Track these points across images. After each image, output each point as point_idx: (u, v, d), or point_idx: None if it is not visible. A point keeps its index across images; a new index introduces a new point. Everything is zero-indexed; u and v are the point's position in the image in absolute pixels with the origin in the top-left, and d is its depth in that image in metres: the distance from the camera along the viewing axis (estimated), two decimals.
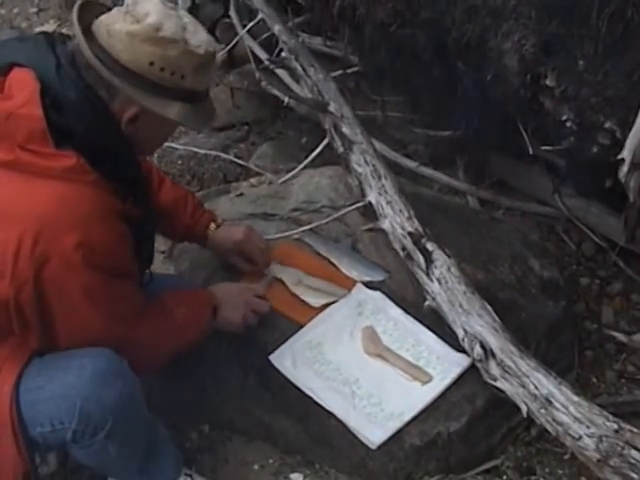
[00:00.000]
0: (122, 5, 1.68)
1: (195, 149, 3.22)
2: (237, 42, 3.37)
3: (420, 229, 2.24)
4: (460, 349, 2.06)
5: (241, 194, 2.65)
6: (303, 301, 2.20)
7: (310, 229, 2.39)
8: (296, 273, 2.26)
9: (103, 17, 1.67)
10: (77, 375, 1.65)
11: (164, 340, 1.85)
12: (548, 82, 2.39)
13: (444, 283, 2.11)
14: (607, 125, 2.29)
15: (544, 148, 2.60)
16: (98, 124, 1.66)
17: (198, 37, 1.69)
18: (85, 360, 1.67)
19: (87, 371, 1.66)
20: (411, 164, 2.98)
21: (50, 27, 4.13)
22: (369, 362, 2.09)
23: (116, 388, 1.67)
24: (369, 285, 2.25)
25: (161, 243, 2.50)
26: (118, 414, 1.67)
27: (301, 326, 2.16)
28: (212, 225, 2.19)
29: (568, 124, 2.40)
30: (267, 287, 2.22)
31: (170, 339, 1.87)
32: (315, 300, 2.20)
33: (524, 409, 1.90)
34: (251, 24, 3.24)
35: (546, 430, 1.91)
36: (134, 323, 1.78)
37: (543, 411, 1.86)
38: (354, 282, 2.26)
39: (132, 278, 1.79)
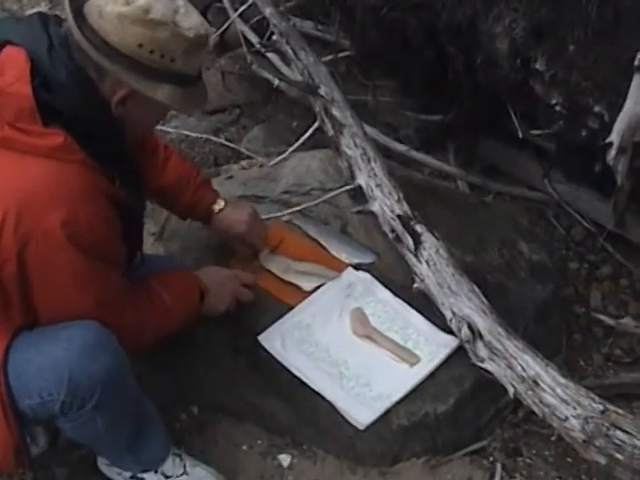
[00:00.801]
0: None
1: (186, 132, 3.21)
2: (229, 26, 3.37)
3: (409, 212, 2.24)
4: (448, 331, 2.06)
5: (231, 177, 2.64)
6: (295, 285, 2.21)
7: (300, 211, 2.39)
8: (284, 261, 2.26)
9: None
10: (65, 347, 1.65)
11: (149, 325, 1.86)
12: (538, 66, 2.39)
13: (433, 265, 2.11)
14: (596, 109, 2.30)
15: (534, 132, 2.60)
16: (87, 104, 1.65)
17: (189, 20, 1.67)
18: (74, 332, 1.67)
19: (76, 343, 1.66)
20: (402, 148, 2.98)
21: (41, 9, 4.10)
22: (358, 343, 2.10)
23: (104, 360, 1.67)
24: (358, 267, 2.25)
25: (151, 225, 2.51)
26: (106, 385, 1.67)
27: (290, 307, 2.16)
28: (215, 206, 2.17)
29: (558, 108, 2.40)
30: (256, 273, 2.21)
31: (155, 324, 1.87)
32: (307, 284, 2.21)
33: (511, 391, 1.90)
34: (242, 8, 3.23)
35: (533, 412, 1.92)
36: (119, 309, 1.78)
37: (530, 393, 1.87)
38: (343, 264, 2.26)
39: (118, 264, 1.79)
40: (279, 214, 2.39)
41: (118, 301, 1.78)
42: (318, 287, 2.20)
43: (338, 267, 2.25)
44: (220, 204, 2.19)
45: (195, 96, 1.77)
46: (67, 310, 1.70)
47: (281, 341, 2.09)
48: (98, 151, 1.66)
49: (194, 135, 3.24)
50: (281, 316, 2.14)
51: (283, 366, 2.05)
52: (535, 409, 1.88)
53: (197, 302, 1.97)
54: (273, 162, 2.68)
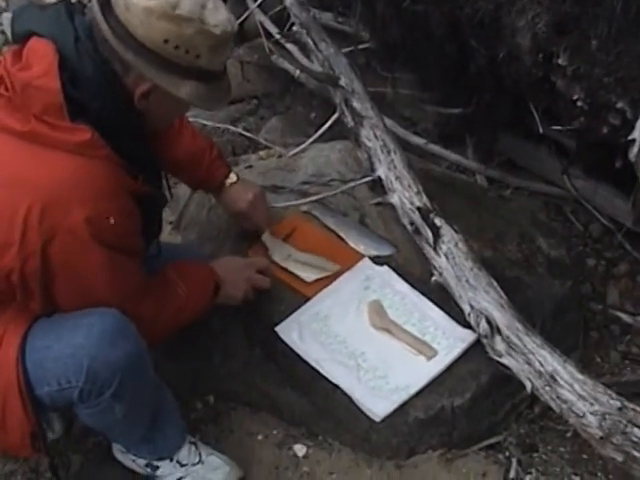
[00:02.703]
0: None
1: (204, 122, 3.19)
2: (248, 16, 3.35)
3: (428, 204, 2.23)
4: (466, 325, 2.06)
5: (250, 166, 2.65)
6: (295, 275, 2.20)
7: (318, 201, 2.39)
8: (287, 249, 2.25)
9: None
10: (85, 334, 1.65)
11: (165, 315, 1.85)
12: (560, 61, 2.36)
13: (451, 258, 2.10)
14: (618, 105, 2.27)
15: (554, 128, 2.58)
16: (113, 99, 1.64)
17: (217, 16, 1.65)
18: (93, 319, 1.67)
19: (95, 330, 1.66)
20: (420, 141, 2.97)
21: None
22: (375, 336, 2.09)
23: (124, 347, 1.67)
24: (376, 259, 2.25)
25: (169, 213, 2.51)
26: (125, 373, 1.67)
27: (307, 299, 2.16)
28: (227, 180, 2.18)
29: (579, 104, 2.37)
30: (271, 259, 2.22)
31: (171, 315, 1.87)
32: (306, 274, 2.20)
33: (528, 386, 1.90)
34: None
35: (550, 408, 1.91)
36: (138, 300, 1.77)
37: (547, 388, 1.86)
38: (361, 256, 2.26)
39: (138, 256, 1.79)
40: (297, 203, 2.39)
41: (137, 292, 1.78)
42: (319, 279, 2.19)
43: (356, 259, 2.25)
44: (232, 178, 2.19)
45: (218, 92, 1.76)
46: (89, 304, 1.70)
47: (298, 332, 2.09)
48: (122, 146, 1.66)
49: (212, 124, 3.23)
50: (298, 307, 2.14)
51: (300, 357, 2.05)
52: (552, 405, 1.87)
53: (212, 294, 1.96)
54: (292, 152, 2.69)
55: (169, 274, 1.89)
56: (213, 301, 1.97)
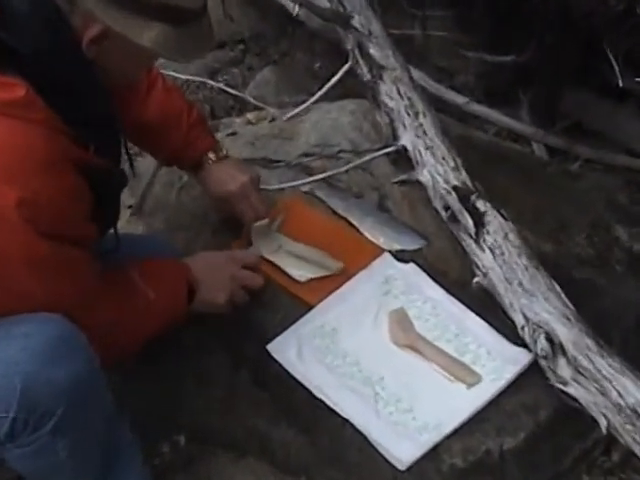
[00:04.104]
0: None
1: (173, 74, 3.20)
2: None
3: (469, 183, 2.24)
4: (518, 342, 2.05)
5: (234, 133, 2.65)
6: (283, 271, 2.22)
7: (324, 180, 2.39)
8: (277, 238, 2.27)
9: None
10: (19, 347, 1.64)
11: (126, 325, 1.85)
12: None
13: (499, 255, 2.11)
14: None
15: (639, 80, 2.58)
16: (55, 45, 1.64)
17: None
18: (31, 328, 1.66)
19: (33, 341, 1.64)
20: (459, 100, 2.97)
21: None
22: (398, 355, 2.09)
23: (70, 365, 1.66)
24: (400, 255, 2.26)
25: (127, 195, 2.51)
26: (72, 399, 1.66)
27: (310, 307, 2.16)
28: (211, 155, 2.20)
29: None
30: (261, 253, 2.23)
31: (133, 325, 1.87)
32: (298, 272, 2.21)
33: (604, 424, 1.89)
34: None
35: (633, 453, 1.90)
36: (88, 305, 1.77)
37: (629, 427, 1.85)
38: (380, 251, 2.26)
39: (86, 247, 1.79)
40: (296, 183, 2.39)
41: (88, 295, 1.78)
42: (313, 279, 2.20)
43: (373, 254, 2.25)
44: (218, 153, 2.21)
45: (194, 39, 1.75)
46: (22, 307, 1.69)
47: (297, 351, 2.09)
48: (67, 107, 1.66)
49: (184, 77, 3.24)
50: (297, 318, 2.14)
51: (299, 383, 2.05)
52: (636, 450, 1.86)
53: (185, 298, 1.97)
54: (289, 115, 2.69)
55: (130, 273, 1.90)
56: (188, 308, 1.98)
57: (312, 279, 2.20)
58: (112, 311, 1.82)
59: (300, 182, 2.40)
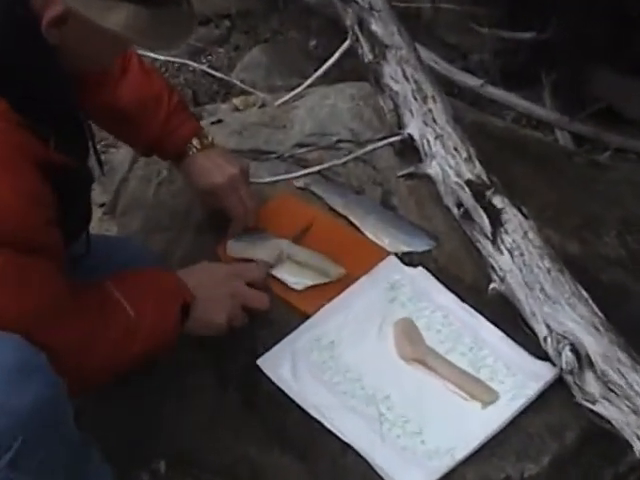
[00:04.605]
0: None
1: (152, 55, 3.21)
2: None
3: (484, 176, 2.24)
4: (541, 355, 2.06)
5: (219, 121, 2.65)
6: (279, 280, 2.23)
7: (321, 173, 2.40)
8: (274, 242, 2.27)
9: None
10: None
11: (100, 349, 1.82)
12: None
13: (518, 256, 2.11)
14: None
15: None
16: (10, 26, 1.65)
17: None
18: None
19: None
20: (473, 82, 2.98)
21: None
22: (405, 371, 2.10)
23: (30, 390, 1.65)
24: (407, 259, 2.26)
25: (99, 192, 2.51)
26: (31, 429, 1.65)
27: (306, 316, 2.17)
28: (195, 142, 2.20)
29: None
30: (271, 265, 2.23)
31: (110, 348, 1.84)
32: (294, 279, 2.22)
33: (638, 447, 1.89)
34: None
35: None
36: (50, 321, 1.75)
37: None
38: (384, 253, 2.27)
39: (53, 258, 1.78)
40: (289, 176, 2.40)
41: (51, 309, 1.76)
42: (313, 286, 2.21)
43: (376, 257, 2.26)
44: (203, 141, 2.22)
45: (172, 22, 1.74)
46: None
47: (291, 366, 2.09)
48: (24, 98, 1.66)
49: (163, 59, 3.24)
50: (292, 329, 2.15)
51: (294, 403, 2.05)
52: None
53: (177, 317, 1.94)
54: (281, 100, 2.69)
55: (106, 286, 1.88)
56: (180, 330, 1.96)
57: (310, 287, 2.21)
58: (81, 329, 1.79)
59: (293, 175, 2.40)
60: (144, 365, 1.92)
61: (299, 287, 2.20)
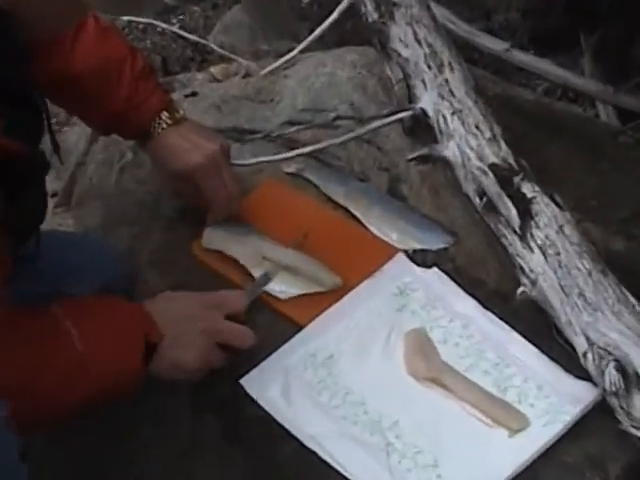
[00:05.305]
0: None
1: (111, 15, 3.22)
2: None
3: (511, 160, 2.25)
4: (580, 373, 2.06)
5: (194, 94, 2.65)
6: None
7: (316, 156, 2.41)
8: (258, 242, 2.28)
9: None
10: None
11: (42, 390, 1.80)
12: None
13: (553, 255, 2.12)
14: None
15: None
16: None
17: None
18: None
19: None
20: (498, 46, 2.98)
21: None
22: (417, 392, 2.10)
23: None
24: (419, 258, 2.27)
25: (49, 180, 2.51)
26: None
27: (300, 327, 2.18)
28: (165, 116, 2.20)
29: None
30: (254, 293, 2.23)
31: (53, 386, 1.82)
32: (280, 287, 2.23)
33: None
34: None
35: None
36: None
37: None
38: (393, 251, 2.28)
39: None
40: (277, 158, 2.41)
41: None
42: (303, 295, 2.22)
43: (382, 255, 2.27)
44: (174, 114, 2.22)
45: None
46: None
47: (282, 387, 2.10)
48: None
49: (125, 18, 3.24)
50: (282, 342, 2.15)
51: (285, 431, 2.05)
52: None
53: (139, 357, 1.92)
54: (268, 69, 2.69)
55: (56, 314, 1.86)
56: (143, 371, 1.94)
57: (295, 296, 2.22)
58: (21, 365, 1.78)
59: (282, 157, 2.40)
60: (102, 407, 1.91)
61: (283, 296, 2.21)
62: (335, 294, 2.22)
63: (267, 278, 2.23)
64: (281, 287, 2.21)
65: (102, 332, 1.88)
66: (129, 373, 1.92)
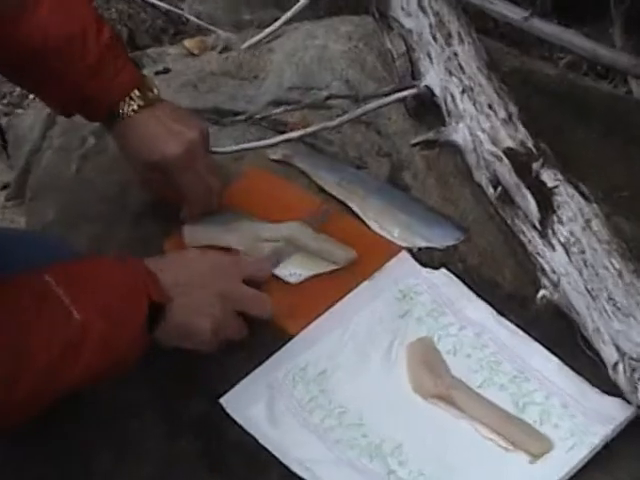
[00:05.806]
0: None
1: None
2: None
3: (530, 144, 2.25)
4: (609, 388, 2.06)
5: (167, 71, 2.65)
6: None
7: (305, 141, 2.42)
8: (250, 224, 2.30)
9: None
10: None
11: (31, 361, 1.80)
12: None
13: (577, 254, 2.11)
14: None
15: None
16: None
17: None
18: None
19: None
20: (515, 14, 2.97)
21: None
22: (423, 411, 2.10)
23: None
24: (424, 257, 2.28)
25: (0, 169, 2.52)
26: None
27: (289, 337, 2.18)
28: (136, 94, 2.20)
29: None
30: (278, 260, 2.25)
31: (45, 360, 1.82)
32: (288, 270, 2.23)
33: None
34: None
35: None
36: None
37: None
38: (395, 249, 2.29)
39: None
40: (262, 143, 2.41)
41: None
42: (318, 275, 2.23)
43: (383, 253, 2.28)
44: (146, 94, 2.22)
45: None
46: None
47: (267, 406, 2.09)
48: None
49: None
50: (268, 355, 2.15)
51: (272, 456, 2.05)
52: None
53: (143, 321, 1.92)
54: (251, 42, 2.69)
55: (46, 282, 1.86)
56: (146, 339, 1.95)
57: (311, 277, 2.23)
58: (7, 339, 1.78)
59: (268, 142, 2.41)
60: (90, 384, 1.92)
61: (293, 279, 2.22)
62: (326, 298, 2.22)
63: (251, 244, 2.25)
64: (290, 269, 2.22)
65: (98, 298, 1.88)
66: (131, 344, 1.92)
